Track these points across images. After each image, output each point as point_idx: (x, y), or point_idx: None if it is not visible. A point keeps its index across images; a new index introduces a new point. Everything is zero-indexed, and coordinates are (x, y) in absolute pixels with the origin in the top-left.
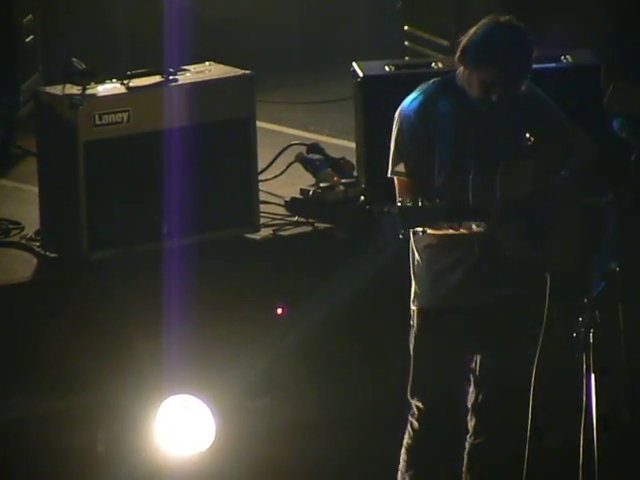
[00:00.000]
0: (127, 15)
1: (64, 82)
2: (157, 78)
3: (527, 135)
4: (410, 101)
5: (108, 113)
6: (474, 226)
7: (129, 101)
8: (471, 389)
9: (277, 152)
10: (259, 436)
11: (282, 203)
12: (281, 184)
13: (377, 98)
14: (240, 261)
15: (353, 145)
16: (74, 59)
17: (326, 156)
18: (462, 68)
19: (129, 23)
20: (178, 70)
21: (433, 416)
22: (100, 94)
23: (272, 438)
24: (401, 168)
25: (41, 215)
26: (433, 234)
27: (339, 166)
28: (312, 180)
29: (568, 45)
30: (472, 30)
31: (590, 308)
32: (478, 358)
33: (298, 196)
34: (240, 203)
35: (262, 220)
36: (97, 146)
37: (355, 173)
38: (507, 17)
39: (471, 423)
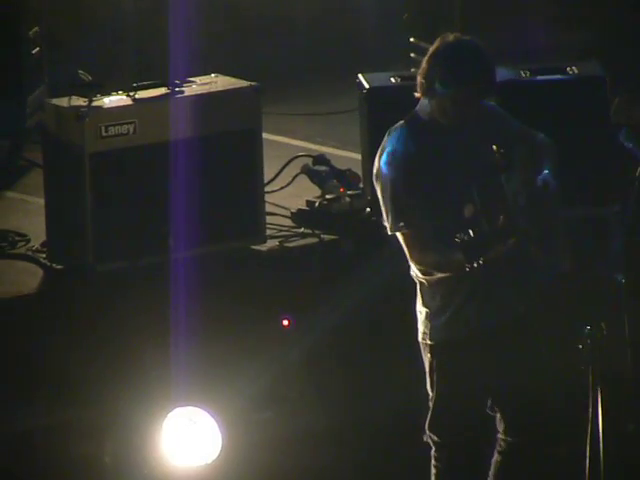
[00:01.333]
0: (133, 27)
1: (70, 94)
2: (163, 90)
3: (494, 147)
4: (388, 156)
5: (114, 125)
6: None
7: (135, 113)
8: (498, 416)
9: (283, 164)
10: (264, 448)
11: (288, 215)
12: (287, 195)
13: (383, 110)
14: (246, 273)
15: (359, 157)
16: (80, 71)
17: (332, 168)
18: (426, 99)
19: (135, 35)
20: (184, 82)
21: (453, 449)
22: (106, 106)
23: (277, 450)
24: (402, 223)
25: (47, 227)
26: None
27: (345, 178)
28: (318, 192)
29: (575, 56)
30: (424, 60)
31: (596, 320)
32: (497, 382)
33: (304, 207)
34: (246, 215)
35: (268, 231)
36: (103, 158)
37: (361, 185)
38: (454, 35)
39: (503, 445)
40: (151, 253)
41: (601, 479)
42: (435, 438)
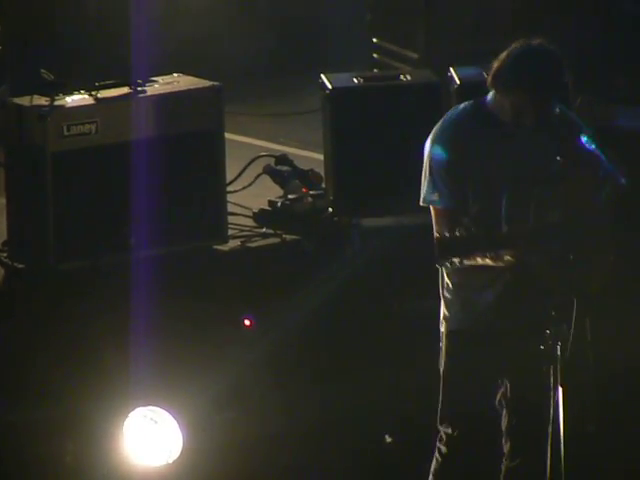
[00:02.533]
0: (95, 26)
1: (32, 93)
2: (125, 89)
3: (558, 158)
4: (442, 129)
5: (76, 124)
6: (507, 256)
7: (97, 112)
8: (504, 413)
9: (245, 164)
10: (226, 448)
11: (250, 214)
12: (249, 195)
13: (345, 110)
14: (208, 272)
15: (321, 157)
16: (42, 70)
17: (294, 168)
18: (493, 92)
19: (97, 34)
20: (146, 81)
21: (463, 441)
22: (68, 105)
23: (239, 450)
24: (435, 197)
25: (9, 226)
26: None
27: (307, 178)
28: (280, 192)
29: None
30: (503, 54)
31: (558, 321)
32: (508, 382)
33: (266, 207)
34: (208, 214)
35: (230, 231)
36: (65, 157)
37: (323, 185)
38: (539, 40)
39: (506, 446)
40: (112, 252)
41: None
42: (448, 430)
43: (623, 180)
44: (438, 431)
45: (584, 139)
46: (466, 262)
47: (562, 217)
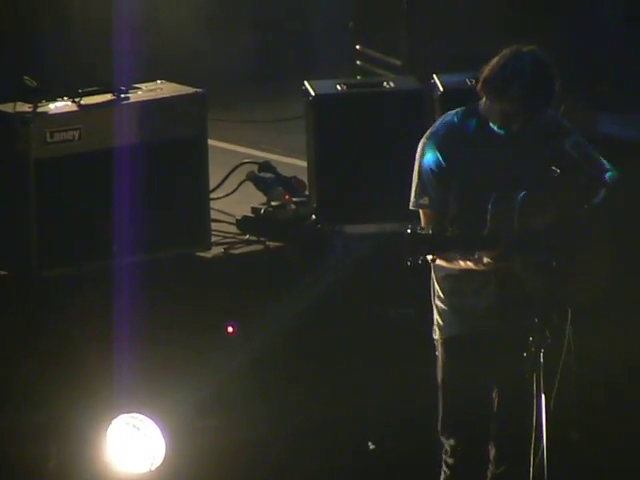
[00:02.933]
0: (79, 33)
1: (15, 100)
2: (108, 96)
3: (553, 168)
4: (434, 133)
5: (59, 131)
6: (485, 259)
7: (80, 119)
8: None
9: (228, 170)
10: (208, 455)
11: (233, 221)
12: (232, 202)
13: (328, 117)
14: (191, 279)
15: (304, 164)
16: (26, 77)
17: (277, 175)
18: (483, 98)
19: (81, 41)
20: (129, 88)
21: (468, 450)
22: (51, 112)
23: (221, 457)
24: (425, 201)
25: None
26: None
27: (290, 185)
28: (263, 199)
29: None
30: (494, 60)
31: (541, 328)
32: (497, 387)
33: (249, 214)
34: (191, 221)
35: (213, 238)
36: (48, 164)
37: (307, 192)
38: (530, 47)
39: (492, 452)
40: (95, 259)
41: None
42: (451, 442)
43: (617, 175)
44: (438, 440)
45: (576, 141)
46: (444, 264)
47: (548, 223)
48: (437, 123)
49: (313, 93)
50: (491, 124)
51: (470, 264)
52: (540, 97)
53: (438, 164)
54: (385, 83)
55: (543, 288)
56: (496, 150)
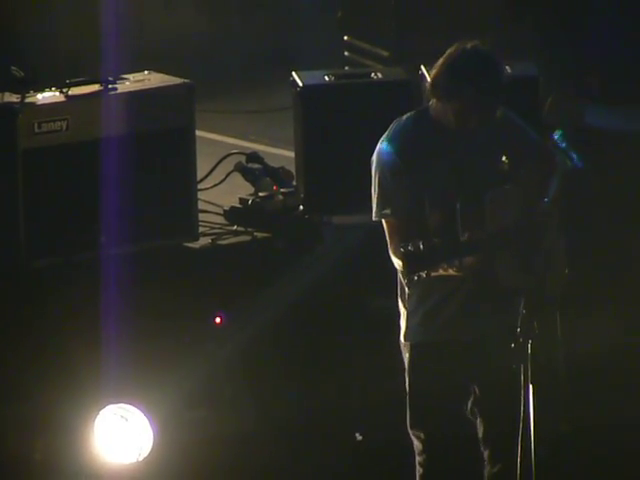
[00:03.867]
0: (66, 23)
1: (3, 90)
2: (96, 87)
3: (503, 158)
4: (388, 141)
5: (47, 121)
6: (469, 264)
7: (68, 109)
8: (478, 421)
9: (216, 161)
10: (197, 446)
11: (221, 212)
12: (220, 193)
13: (316, 108)
14: (178, 270)
15: (292, 154)
16: (13, 67)
17: (265, 165)
18: (434, 100)
19: (68, 31)
20: (117, 79)
21: (436, 445)
22: (39, 102)
23: (210, 448)
24: (388, 210)
25: None
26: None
27: (278, 175)
28: (251, 189)
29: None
30: (440, 61)
31: (528, 319)
32: (477, 389)
33: (237, 205)
34: (179, 212)
35: (201, 229)
36: (36, 154)
37: (294, 182)
38: (474, 43)
39: (485, 453)
40: (83, 249)
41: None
42: (421, 435)
43: (581, 164)
44: (411, 436)
45: (555, 137)
46: (433, 273)
47: (516, 218)
48: (390, 131)
49: (301, 84)
50: (445, 125)
51: (451, 271)
52: (491, 92)
53: (397, 171)
54: (373, 74)
55: (523, 281)
56: (452, 151)
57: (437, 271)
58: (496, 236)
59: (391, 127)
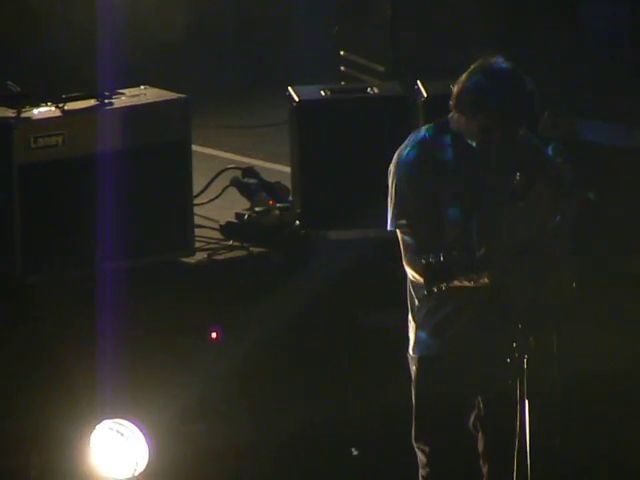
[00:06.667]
0: (62, 38)
1: None
2: (92, 101)
3: (517, 176)
4: (407, 151)
5: (43, 136)
6: (485, 278)
7: (64, 124)
8: (479, 435)
9: (212, 176)
10: (193, 460)
11: (217, 227)
12: (216, 208)
13: (312, 123)
14: (174, 285)
15: (288, 169)
16: (9, 82)
17: (261, 180)
18: (456, 114)
19: (64, 46)
20: (113, 93)
21: (441, 458)
22: (35, 117)
23: (206, 462)
24: (404, 221)
25: None
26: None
27: (274, 190)
28: (247, 204)
29: None
30: (464, 76)
31: (524, 334)
32: (482, 403)
33: (233, 220)
34: (175, 227)
35: (197, 244)
36: (32, 169)
37: (290, 197)
38: (499, 59)
39: (484, 468)
40: (79, 264)
41: None
42: (426, 448)
43: (591, 195)
44: (415, 449)
45: (550, 152)
46: (450, 285)
47: (529, 236)
48: (408, 141)
49: (297, 99)
50: (468, 140)
51: (466, 283)
52: (517, 109)
53: (416, 183)
54: (369, 89)
55: (529, 295)
56: (470, 166)
57: (454, 284)
58: (511, 252)
59: (410, 137)
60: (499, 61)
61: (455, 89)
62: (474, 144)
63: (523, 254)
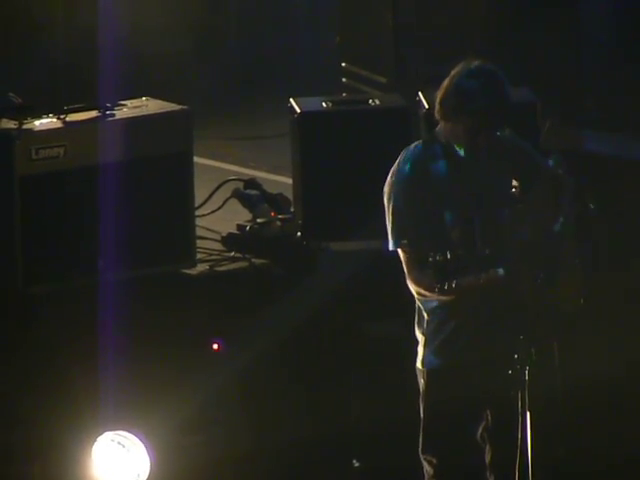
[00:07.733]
0: (64, 49)
1: (0, 116)
2: (94, 113)
3: (514, 183)
4: (399, 169)
5: (45, 148)
6: (499, 272)
7: (65, 136)
8: (487, 446)
9: (214, 187)
10: (194, 472)
11: (219, 238)
12: (218, 219)
13: (314, 134)
14: (176, 296)
15: (290, 181)
16: (10, 93)
17: (263, 192)
18: (443, 123)
19: (66, 58)
20: (115, 105)
21: (448, 470)
22: (37, 129)
23: (206, 474)
24: (405, 240)
25: None
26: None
27: (276, 202)
28: (249, 216)
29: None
30: (445, 82)
31: (526, 345)
32: (490, 414)
33: (235, 231)
34: (177, 238)
35: (198, 255)
36: (34, 180)
37: (292, 209)
38: (477, 62)
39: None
40: (81, 276)
41: None
42: (434, 460)
43: (591, 206)
44: (421, 461)
45: (551, 164)
46: (460, 284)
47: (532, 237)
48: (400, 158)
49: (298, 110)
50: (456, 147)
51: (475, 283)
52: (499, 105)
53: (412, 199)
54: (371, 100)
55: (531, 303)
56: (465, 175)
57: (464, 283)
58: (517, 252)
59: (401, 155)
60: (477, 63)
61: (437, 97)
62: (462, 152)
63: (531, 254)
